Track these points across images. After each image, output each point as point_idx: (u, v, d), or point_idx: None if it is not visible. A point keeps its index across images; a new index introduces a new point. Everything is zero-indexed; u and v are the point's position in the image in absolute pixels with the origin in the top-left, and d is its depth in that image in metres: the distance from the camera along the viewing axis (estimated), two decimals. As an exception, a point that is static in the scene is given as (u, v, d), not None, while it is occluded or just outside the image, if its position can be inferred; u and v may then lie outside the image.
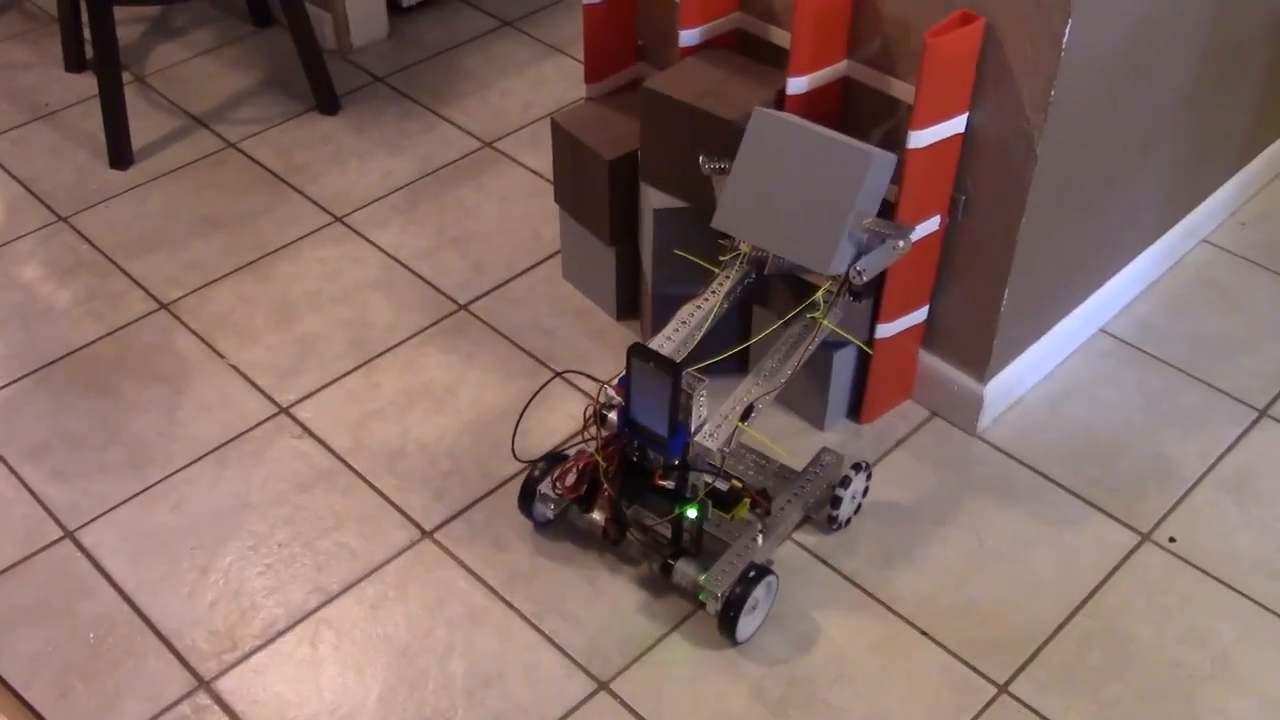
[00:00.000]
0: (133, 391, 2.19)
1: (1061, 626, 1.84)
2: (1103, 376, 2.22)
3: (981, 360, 2.05)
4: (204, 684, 1.76)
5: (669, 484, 1.74)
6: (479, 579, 1.89)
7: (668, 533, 1.82)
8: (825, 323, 1.77)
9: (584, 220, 2.26)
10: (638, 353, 1.65)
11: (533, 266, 2.45)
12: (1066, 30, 1.67)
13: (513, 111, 2.84)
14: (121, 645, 1.81)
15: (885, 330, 2.02)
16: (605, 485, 1.78)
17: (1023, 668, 1.79)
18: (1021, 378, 2.15)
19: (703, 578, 1.77)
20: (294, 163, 2.70)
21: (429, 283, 2.41)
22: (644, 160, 2.06)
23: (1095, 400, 2.18)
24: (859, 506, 1.98)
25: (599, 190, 2.16)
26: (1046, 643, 1.82)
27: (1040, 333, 2.15)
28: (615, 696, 1.75)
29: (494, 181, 2.65)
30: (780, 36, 1.99)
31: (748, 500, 1.82)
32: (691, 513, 1.76)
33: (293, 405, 2.17)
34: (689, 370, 1.65)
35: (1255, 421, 2.15)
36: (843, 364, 2.05)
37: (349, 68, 2.98)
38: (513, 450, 2.05)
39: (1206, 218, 2.46)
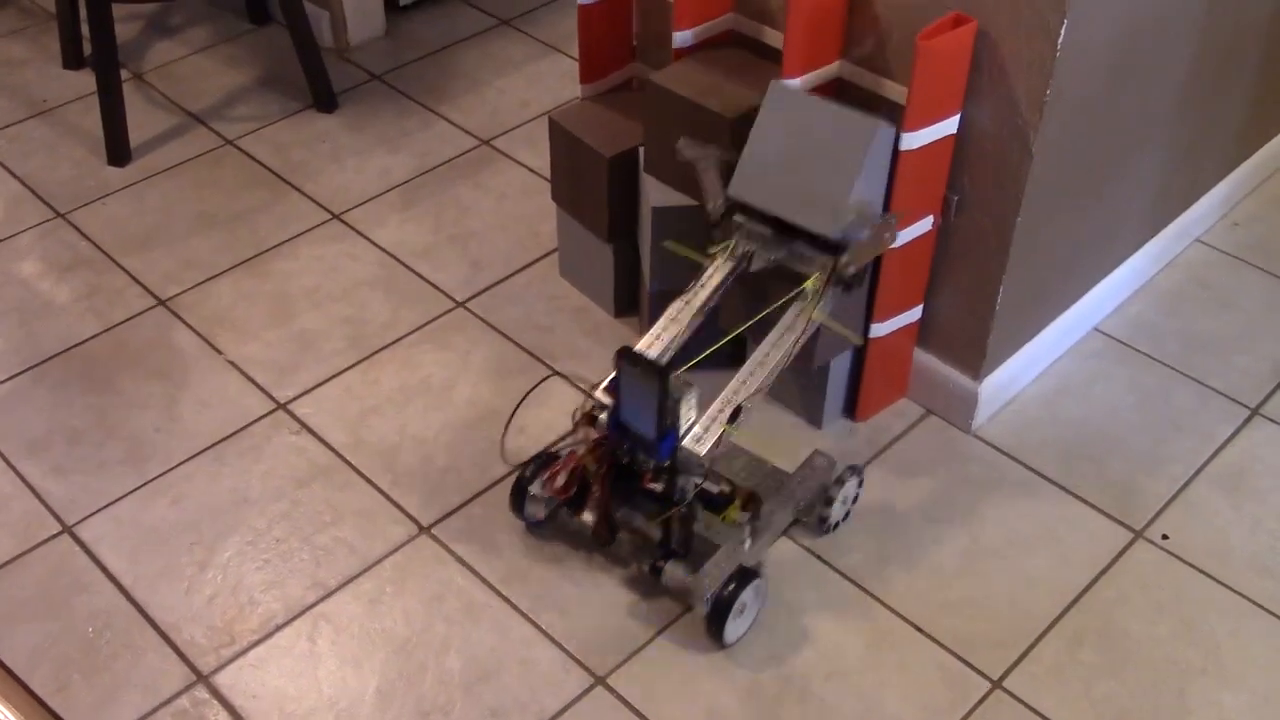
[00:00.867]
0: (131, 387, 2.20)
1: (1055, 623, 1.85)
2: (1096, 375, 2.23)
3: (976, 358, 2.06)
4: (202, 678, 1.77)
5: (658, 487, 1.74)
6: (476, 574, 1.90)
7: (658, 534, 1.82)
8: (815, 314, 1.77)
9: (582, 218, 2.27)
10: (626, 357, 1.66)
11: (530, 264, 2.46)
12: (1062, 30, 1.68)
13: (509, 110, 2.85)
14: (120, 639, 1.82)
15: (879, 329, 2.03)
16: (594, 487, 1.78)
17: (1016, 664, 1.80)
18: (1016, 376, 2.16)
19: (691, 579, 1.77)
20: (291, 160, 2.71)
21: (427, 280, 2.42)
22: (647, 153, 2.07)
23: (1089, 398, 2.19)
24: (850, 510, 1.98)
25: (598, 188, 2.17)
26: (1040, 639, 1.83)
27: (1034, 331, 2.16)
28: (612, 691, 1.76)
29: (491, 179, 2.66)
30: (773, 37, 2.00)
31: (738, 502, 1.82)
32: (681, 515, 1.75)
33: (291, 401, 2.18)
34: (676, 373, 1.65)
35: (1247, 420, 2.16)
36: (839, 363, 2.07)
37: (346, 66, 2.99)
38: (501, 452, 2.05)
39: (1199, 218, 2.48)
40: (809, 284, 1.79)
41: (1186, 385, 2.22)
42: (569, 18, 3.15)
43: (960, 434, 2.13)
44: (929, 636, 1.83)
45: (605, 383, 1.74)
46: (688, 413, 1.67)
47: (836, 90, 1.95)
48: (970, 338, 2.05)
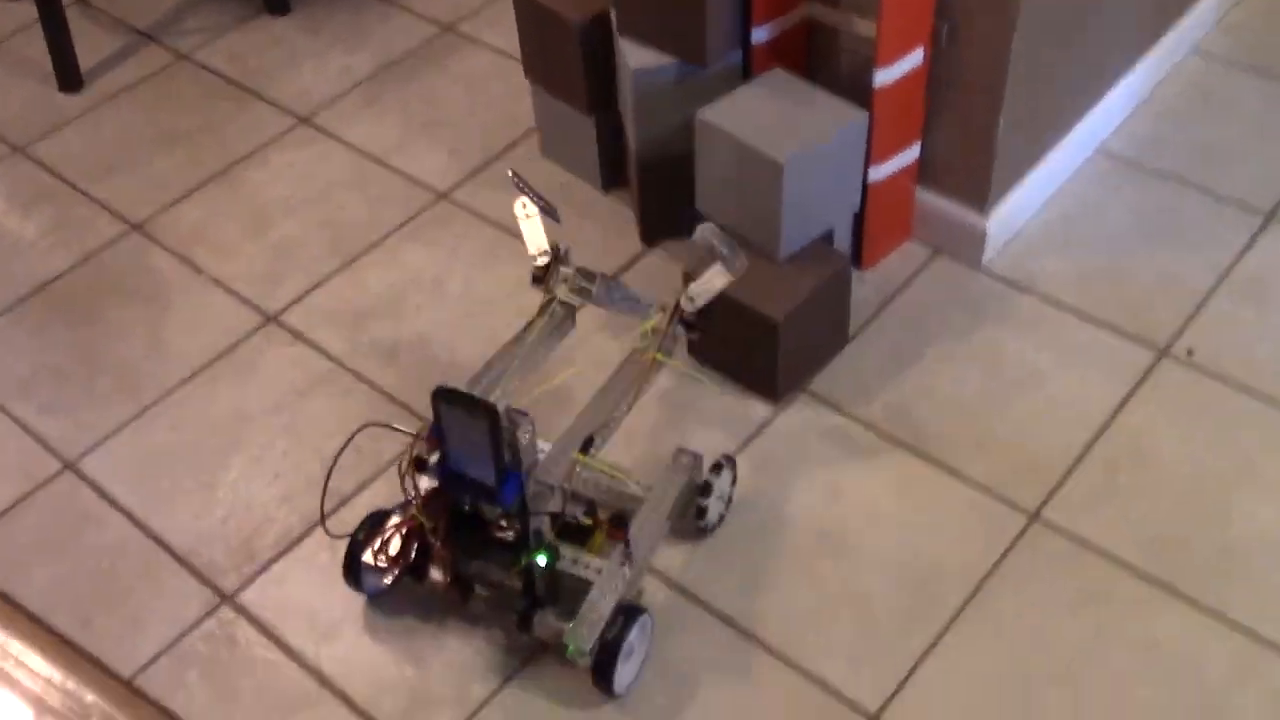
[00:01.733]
0: (113, 317, 2.13)
1: (1087, 449, 1.81)
2: (1104, 197, 2.16)
3: (981, 191, 1.99)
4: (227, 598, 1.73)
5: (509, 535, 1.54)
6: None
7: (519, 584, 1.58)
8: (659, 357, 1.63)
9: (558, 92, 2.18)
10: (443, 397, 1.44)
11: (510, 147, 2.37)
12: None
13: (469, -8, 2.74)
14: (137, 570, 1.78)
15: (878, 173, 1.95)
16: (436, 545, 1.57)
17: (1052, 494, 1.77)
18: (1022, 207, 2.10)
19: (566, 632, 1.53)
20: (249, 68, 2.60)
21: (403, 174, 2.34)
22: (620, 15, 1.97)
23: (1099, 221, 2.12)
24: (727, 505, 1.76)
25: (571, 58, 2.08)
26: (1073, 467, 1.79)
27: (1037, 158, 2.09)
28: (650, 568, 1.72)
29: (459, 65, 2.56)
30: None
31: (603, 529, 1.62)
32: (541, 560, 1.53)
33: (280, 313, 2.11)
34: (508, 407, 1.45)
35: (1263, 226, 2.10)
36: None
37: (294, -35, 2.86)
38: (322, 520, 1.73)
39: (1193, 25, 2.39)
40: (647, 325, 1.66)
41: (1197, 197, 2.15)
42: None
43: (970, 271, 2.07)
44: (960, 476, 1.79)
45: (427, 429, 1.51)
46: (529, 447, 1.46)
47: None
48: (973, 171, 1.98)
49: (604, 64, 2.09)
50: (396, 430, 1.67)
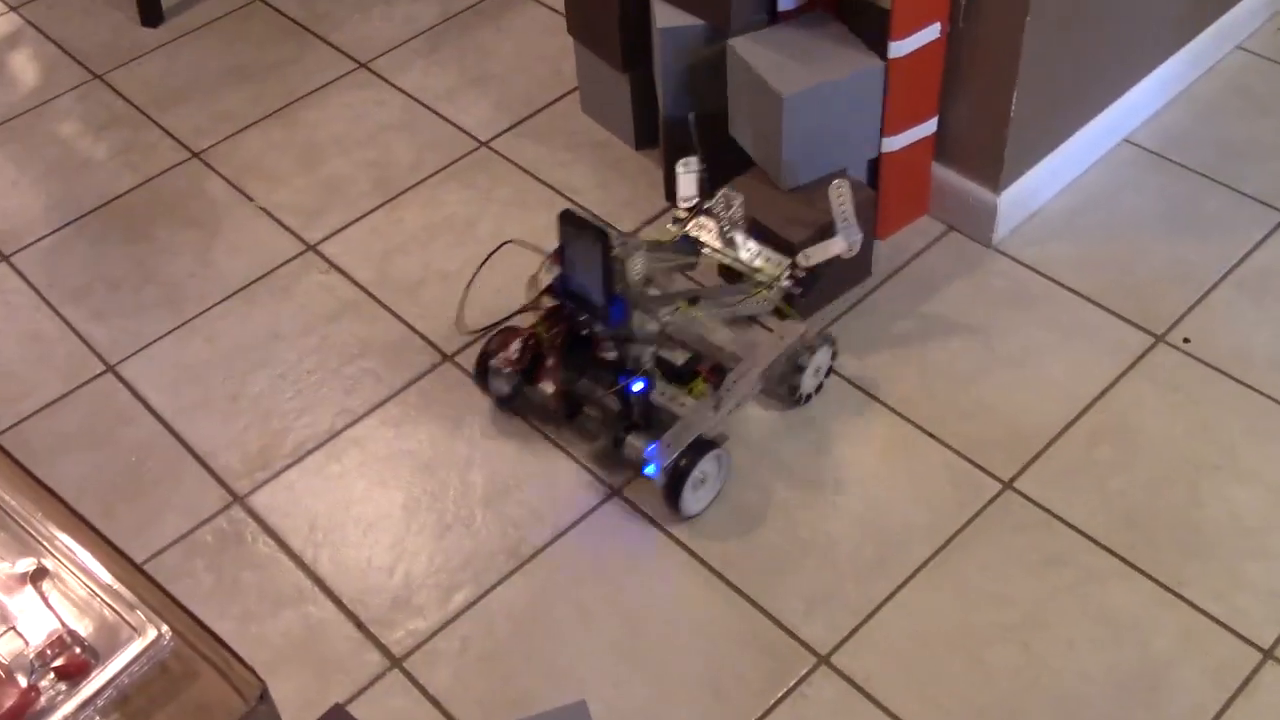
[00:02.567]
0: (167, 236, 2.27)
1: (1070, 425, 1.86)
2: (1124, 185, 2.19)
3: (994, 170, 2.04)
4: (238, 499, 1.86)
5: (612, 356, 1.69)
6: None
7: (616, 405, 1.76)
8: (763, 293, 1.80)
9: (597, 49, 2.26)
10: (566, 220, 1.60)
11: (552, 102, 2.46)
12: None
13: (534, -48, 2.83)
14: (161, 467, 1.91)
15: (892, 144, 2.01)
16: (548, 358, 1.73)
17: (1028, 465, 1.82)
18: (1039, 188, 2.13)
19: (645, 449, 1.71)
20: (318, 12, 2.73)
21: (450, 122, 2.44)
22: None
23: (1115, 208, 2.16)
24: (823, 382, 1.90)
25: (608, 15, 2.16)
26: (1054, 440, 1.84)
27: (1057, 142, 2.12)
28: (628, 501, 1.81)
29: (514, 21, 2.66)
30: None
31: (703, 375, 1.78)
32: (636, 386, 1.69)
33: (320, 243, 2.23)
34: (623, 234, 1.61)
35: (1279, 224, 2.11)
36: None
37: (372, -83, 2.98)
38: (459, 322, 1.97)
39: (1240, 22, 2.39)
40: (769, 269, 1.82)
41: (1218, 192, 2.17)
42: None
43: (981, 248, 2.11)
44: (939, 440, 1.85)
45: (554, 249, 1.69)
46: (639, 279, 1.62)
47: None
48: (987, 149, 2.02)
49: (640, 24, 2.17)
50: (532, 249, 1.88)
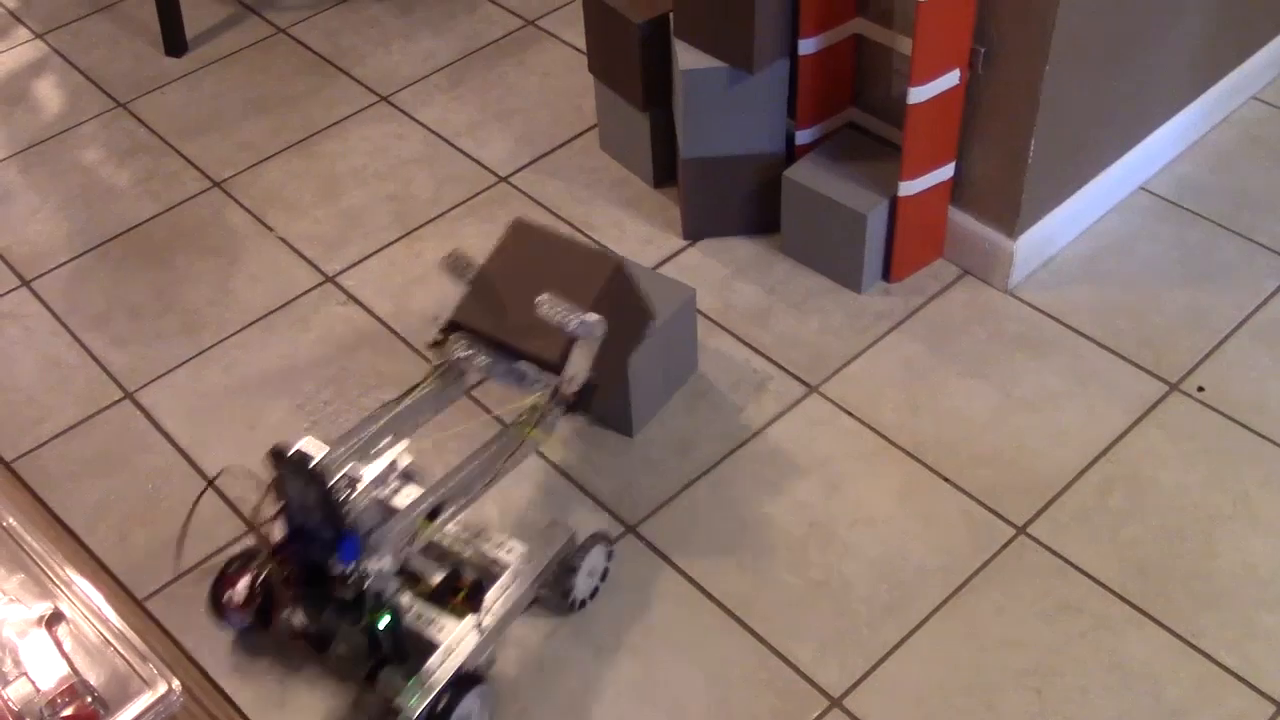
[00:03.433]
0: (187, 264, 2.28)
1: (1083, 472, 1.86)
2: (1140, 233, 2.20)
3: (1010, 216, 2.05)
4: (253, 529, 1.86)
5: (347, 594, 1.50)
6: (513, 432, 1.96)
7: (364, 641, 1.58)
8: (533, 433, 1.61)
9: (618, 88, 2.29)
10: (277, 457, 1.46)
11: (572, 139, 2.48)
12: None
13: (555, -10, 2.86)
14: (178, 495, 1.92)
15: (909, 188, 2.02)
16: (286, 594, 1.57)
17: (1042, 510, 1.82)
18: (1054, 234, 2.15)
19: (399, 695, 1.53)
20: (340, 46, 2.76)
21: (470, 157, 2.46)
22: (677, 18, 2.07)
23: (1130, 256, 2.17)
24: (598, 585, 1.75)
25: (630, 55, 2.18)
26: (1068, 487, 1.85)
27: (1074, 189, 2.14)
28: (641, 538, 1.81)
29: (536, 58, 2.68)
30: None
31: (464, 592, 1.62)
32: (382, 622, 1.53)
33: (338, 274, 2.25)
34: (340, 471, 1.45)
35: (1294, 274, 2.13)
36: (876, 224, 2.07)
37: (395, -48, 3.02)
38: (176, 554, 1.82)
39: (1256, 72, 2.41)
40: (529, 402, 1.62)
41: (1233, 241, 2.18)
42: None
43: (996, 293, 2.12)
44: (955, 485, 1.85)
45: (274, 476, 1.52)
46: (369, 509, 1.47)
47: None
48: (1004, 194, 2.04)
49: (661, 64, 2.19)
50: (251, 478, 1.76)
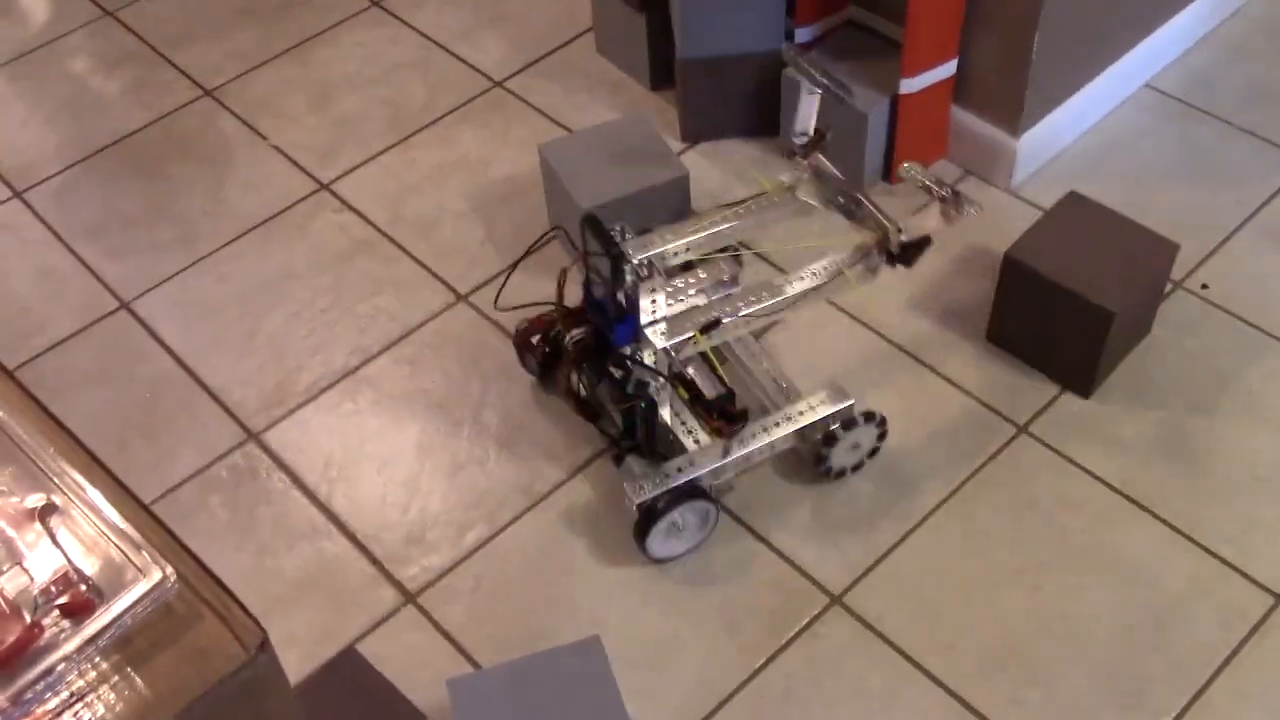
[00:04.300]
0: (180, 173, 2.26)
1: (1085, 370, 1.85)
2: (1146, 130, 2.17)
3: (1014, 113, 2.02)
4: (253, 436, 1.86)
5: (617, 372, 1.57)
6: (511, 337, 1.95)
7: (619, 420, 1.67)
8: (850, 274, 1.59)
9: (613, -12, 2.24)
10: (590, 225, 1.50)
11: (568, 42, 2.44)
12: None
13: (549, -110, 2.79)
14: (176, 404, 1.91)
15: (911, 85, 1.99)
16: (569, 352, 1.67)
17: (1042, 410, 1.81)
18: (1059, 132, 2.11)
19: (627, 479, 1.62)
20: (332, -50, 2.70)
21: (465, 61, 2.42)
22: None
23: (1135, 153, 2.13)
24: (863, 461, 1.74)
25: (625, -46, 2.14)
26: (1069, 386, 1.83)
27: (1078, 85, 2.10)
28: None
29: (530, -40, 2.63)
30: None
31: (728, 413, 1.66)
32: (639, 409, 1.58)
33: (333, 182, 2.22)
34: (639, 257, 1.49)
35: (1302, 170, 2.10)
36: (877, 123, 2.03)
37: None
38: (496, 301, 1.96)
39: (1266, -35, 2.36)
40: (859, 242, 1.60)
41: (1241, 138, 2.15)
42: None
43: (1000, 192, 2.10)
44: (960, 388, 1.84)
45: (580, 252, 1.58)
46: (649, 303, 1.51)
47: None
48: (1006, 91, 2.00)
49: (657, -38, 2.14)
50: (572, 245, 1.85)
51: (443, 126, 2.30)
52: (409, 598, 1.67)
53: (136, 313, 2.04)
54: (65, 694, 0.84)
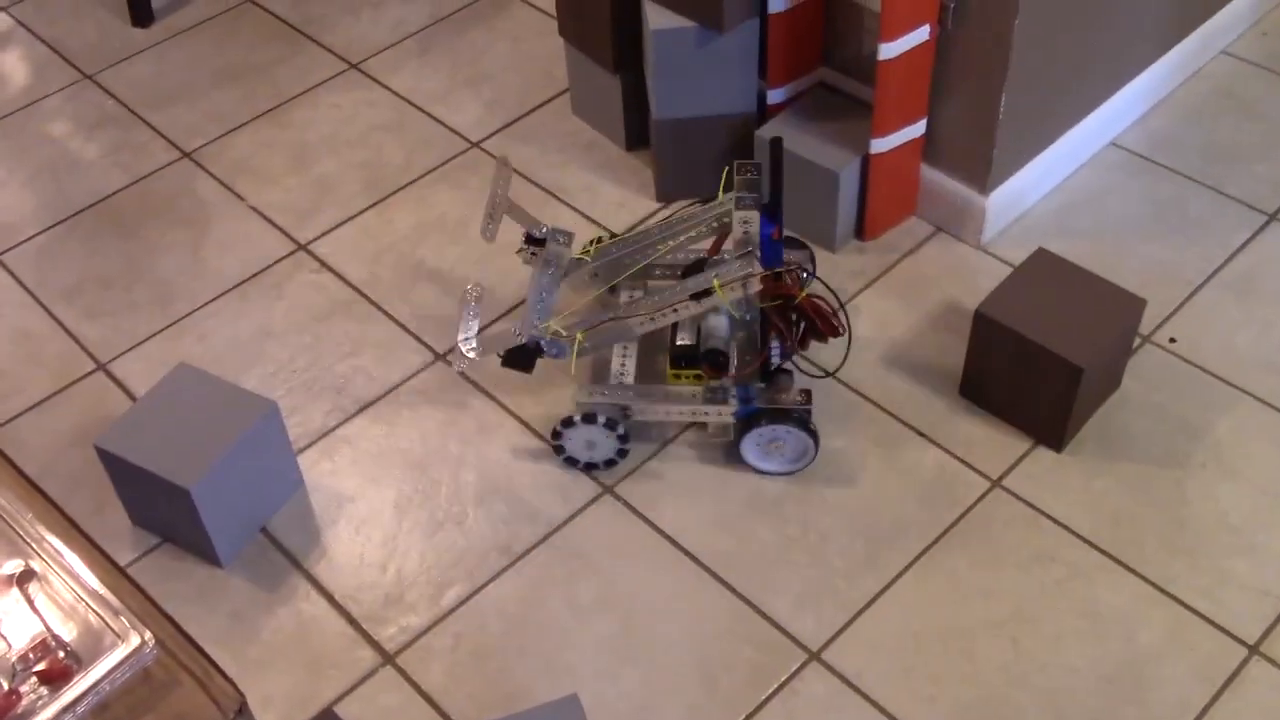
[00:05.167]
0: (158, 235, 2.27)
1: (1057, 424, 1.87)
2: (1111, 187, 2.21)
3: (982, 172, 2.05)
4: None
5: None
6: (490, 396, 1.96)
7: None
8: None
9: (588, 51, 2.28)
10: (774, 144, 1.69)
11: (544, 104, 2.47)
12: None
13: (525, -45, 2.84)
14: (153, 465, 1.91)
15: (881, 145, 2.02)
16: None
17: (1016, 464, 1.83)
18: (1026, 190, 2.15)
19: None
20: (309, 15, 2.73)
21: (441, 123, 2.45)
22: (641, -19, 2.07)
23: (1101, 210, 2.17)
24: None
25: (600, 17, 2.17)
26: (1039, 441, 1.86)
27: (1045, 144, 2.14)
28: (619, 499, 1.82)
29: (505, 24, 2.67)
30: None
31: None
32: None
33: (311, 242, 2.23)
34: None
35: (1264, 226, 2.14)
36: (849, 182, 2.07)
37: (363, -81, 2.99)
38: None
39: (1225, 27, 2.41)
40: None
41: (1204, 194, 2.19)
42: None
43: (970, 249, 2.13)
44: (931, 440, 1.86)
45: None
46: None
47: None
48: (975, 150, 2.04)
49: (632, 25, 2.18)
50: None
51: (420, 187, 2.33)
52: (387, 658, 1.67)
53: (113, 374, 2.05)
54: (44, 761, 0.84)
